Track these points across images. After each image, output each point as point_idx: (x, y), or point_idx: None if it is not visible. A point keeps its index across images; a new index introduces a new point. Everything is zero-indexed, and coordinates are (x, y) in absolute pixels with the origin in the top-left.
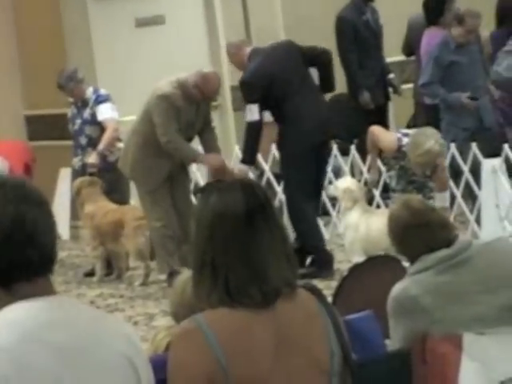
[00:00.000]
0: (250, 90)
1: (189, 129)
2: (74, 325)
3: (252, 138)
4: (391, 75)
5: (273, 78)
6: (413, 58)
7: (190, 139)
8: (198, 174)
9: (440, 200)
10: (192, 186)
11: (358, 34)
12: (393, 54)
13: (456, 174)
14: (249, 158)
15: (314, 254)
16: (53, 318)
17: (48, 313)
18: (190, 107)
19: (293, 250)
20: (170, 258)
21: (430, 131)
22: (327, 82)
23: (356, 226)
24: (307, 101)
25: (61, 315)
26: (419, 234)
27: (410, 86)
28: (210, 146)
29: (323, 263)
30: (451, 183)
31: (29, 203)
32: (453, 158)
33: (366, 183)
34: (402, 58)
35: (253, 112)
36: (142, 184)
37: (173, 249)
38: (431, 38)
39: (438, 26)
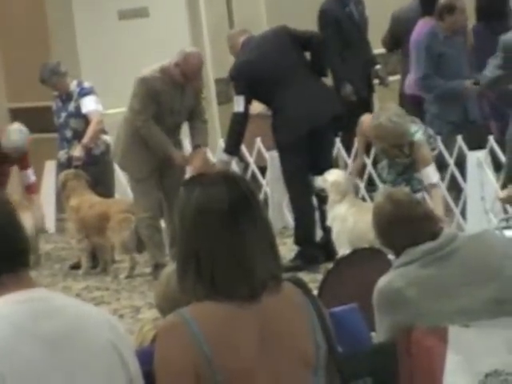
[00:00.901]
0: (235, 83)
1: (174, 115)
2: (60, 314)
3: (236, 129)
4: (378, 66)
5: (258, 72)
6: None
7: (175, 126)
8: None
9: (425, 177)
10: None
11: (340, 27)
12: (377, 46)
13: (441, 166)
14: (232, 148)
15: (302, 246)
16: (38, 309)
17: (33, 304)
18: (173, 91)
19: (277, 243)
20: (155, 250)
21: (392, 107)
22: (318, 67)
23: (343, 218)
24: (298, 89)
25: (45, 306)
26: (404, 227)
27: (395, 78)
28: (197, 137)
29: (309, 258)
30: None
31: None
32: (438, 151)
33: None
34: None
35: (238, 104)
36: (131, 173)
37: (159, 240)
38: (422, 28)
39: (432, 17)
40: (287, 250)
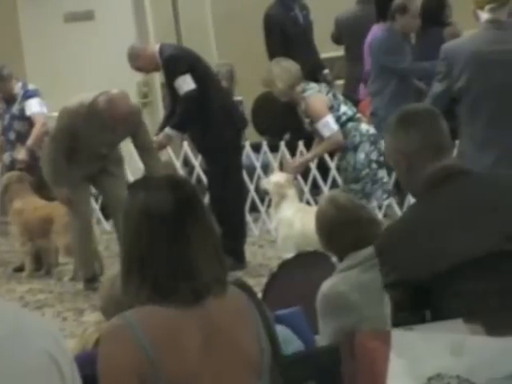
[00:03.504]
0: (178, 62)
1: (101, 147)
2: None
3: (191, 106)
4: (326, 71)
5: (195, 61)
6: (342, 53)
7: (97, 156)
8: (129, 171)
9: (319, 132)
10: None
11: (285, 31)
12: (323, 51)
13: (389, 169)
14: (183, 126)
15: (232, 246)
16: None
17: None
18: (99, 129)
19: (222, 246)
20: (83, 261)
21: (292, 68)
22: None
23: (290, 222)
24: (225, 93)
25: None
26: (347, 231)
27: (340, 82)
28: (152, 172)
29: (239, 256)
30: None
31: None
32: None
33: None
34: (331, 54)
35: (187, 82)
36: (52, 185)
37: (88, 250)
38: (377, 33)
39: (386, 22)
40: None
